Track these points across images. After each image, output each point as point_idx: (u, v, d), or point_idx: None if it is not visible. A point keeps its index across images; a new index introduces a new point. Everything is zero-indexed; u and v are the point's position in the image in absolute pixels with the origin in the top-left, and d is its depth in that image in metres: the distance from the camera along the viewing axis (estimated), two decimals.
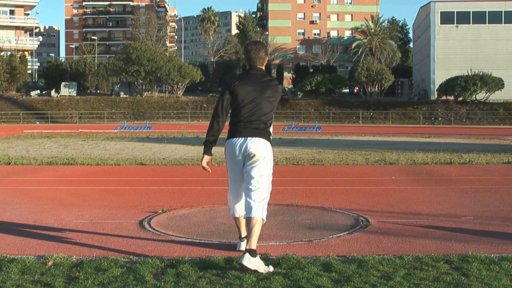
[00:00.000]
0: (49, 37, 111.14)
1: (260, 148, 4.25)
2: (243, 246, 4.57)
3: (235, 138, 4.32)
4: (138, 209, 6.71)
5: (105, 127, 36.78)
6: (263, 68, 4.50)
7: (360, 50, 70.50)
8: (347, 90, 60.16)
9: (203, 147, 4.45)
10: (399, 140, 22.52)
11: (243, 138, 4.28)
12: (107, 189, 8.80)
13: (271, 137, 4.41)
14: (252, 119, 4.29)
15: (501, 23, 51.17)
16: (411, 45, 78.59)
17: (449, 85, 46.94)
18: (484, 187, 8.67)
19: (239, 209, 4.52)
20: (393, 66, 63.65)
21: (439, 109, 47.93)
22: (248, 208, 4.23)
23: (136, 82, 54.07)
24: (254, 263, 3.97)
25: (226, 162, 4.52)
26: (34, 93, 55.62)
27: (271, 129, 4.43)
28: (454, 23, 51.62)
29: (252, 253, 4.01)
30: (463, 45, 51.15)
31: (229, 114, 4.44)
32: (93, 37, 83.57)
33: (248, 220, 4.21)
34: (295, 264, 4.18)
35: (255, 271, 3.95)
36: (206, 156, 4.44)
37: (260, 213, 4.18)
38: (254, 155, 4.24)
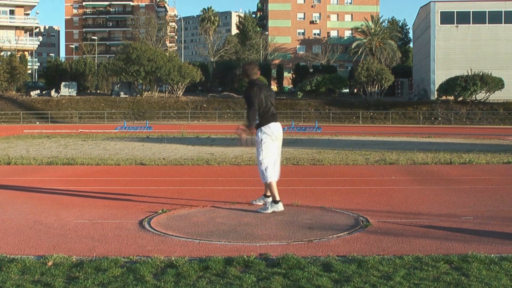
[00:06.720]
0: (49, 37, 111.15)
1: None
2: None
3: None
4: (138, 209, 6.70)
5: (105, 127, 36.77)
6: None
7: (360, 50, 70.51)
8: (347, 90, 60.15)
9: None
10: (399, 140, 22.50)
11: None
12: (107, 189, 8.79)
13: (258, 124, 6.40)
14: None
15: (501, 23, 51.13)
16: (411, 45, 78.65)
17: (449, 85, 46.89)
18: (484, 187, 8.66)
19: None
20: (393, 66, 63.61)
21: (439, 109, 47.91)
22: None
23: (136, 82, 54.05)
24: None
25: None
26: (34, 93, 55.60)
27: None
28: (454, 23, 51.59)
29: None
30: (463, 45, 51.13)
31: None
32: (93, 37, 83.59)
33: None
34: (295, 264, 4.17)
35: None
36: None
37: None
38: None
